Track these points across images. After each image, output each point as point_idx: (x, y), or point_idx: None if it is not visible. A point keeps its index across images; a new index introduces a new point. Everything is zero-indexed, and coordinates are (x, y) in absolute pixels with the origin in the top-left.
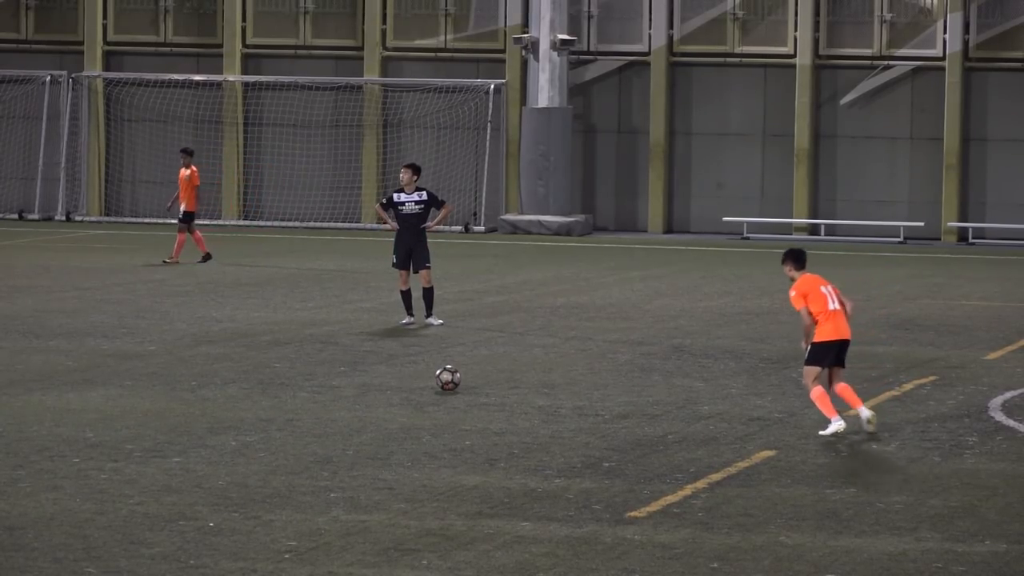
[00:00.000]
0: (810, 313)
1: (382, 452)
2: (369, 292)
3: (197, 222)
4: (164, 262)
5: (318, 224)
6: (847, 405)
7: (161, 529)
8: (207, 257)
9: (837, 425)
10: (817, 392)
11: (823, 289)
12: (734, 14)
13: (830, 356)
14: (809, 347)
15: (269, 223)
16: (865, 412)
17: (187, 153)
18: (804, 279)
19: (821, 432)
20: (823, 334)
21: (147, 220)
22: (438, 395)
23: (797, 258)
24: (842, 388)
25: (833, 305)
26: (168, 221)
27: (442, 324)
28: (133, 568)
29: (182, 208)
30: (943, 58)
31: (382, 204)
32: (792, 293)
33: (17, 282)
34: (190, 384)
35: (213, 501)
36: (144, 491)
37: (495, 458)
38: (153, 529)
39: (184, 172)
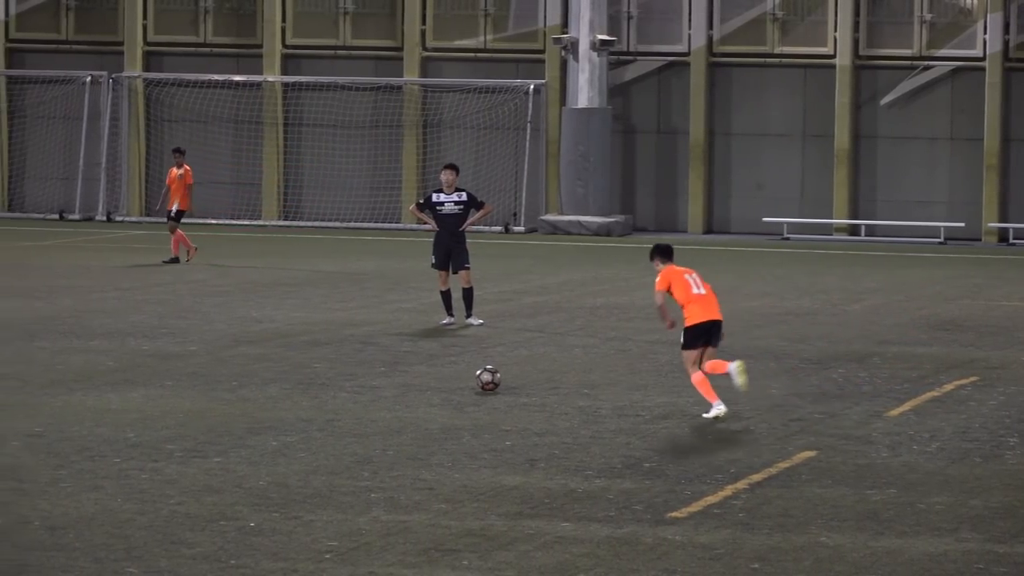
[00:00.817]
0: (671, 296)
1: (422, 452)
2: (409, 292)
3: (185, 221)
4: (186, 262)
5: (358, 224)
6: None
7: (202, 529)
8: (175, 260)
9: (718, 409)
10: (697, 378)
11: (687, 277)
12: (774, 14)
13: (702, 338)
14: (683, 333)
15: (309, 223)
16: (732, 367)
17: (179, 152)
18: (669, 269)
19: (704, 415)
20: (693, 317)
21: (186, 220)
22: (478, 395)
23: (665, 252)
24: (709, 365)
25: (697, 290)
26: (190, 220)
27: (482, 324)
28: (174, 568)
29: (174, 207)
30: (983, 58)
31: (418, 204)
32: (657, 279)
33: (58, 282)
34: (230, 384)
35: (253, 501)
36: (185, 491)
37: (535, 458)
38: (194, 529)
39: (175, 171)
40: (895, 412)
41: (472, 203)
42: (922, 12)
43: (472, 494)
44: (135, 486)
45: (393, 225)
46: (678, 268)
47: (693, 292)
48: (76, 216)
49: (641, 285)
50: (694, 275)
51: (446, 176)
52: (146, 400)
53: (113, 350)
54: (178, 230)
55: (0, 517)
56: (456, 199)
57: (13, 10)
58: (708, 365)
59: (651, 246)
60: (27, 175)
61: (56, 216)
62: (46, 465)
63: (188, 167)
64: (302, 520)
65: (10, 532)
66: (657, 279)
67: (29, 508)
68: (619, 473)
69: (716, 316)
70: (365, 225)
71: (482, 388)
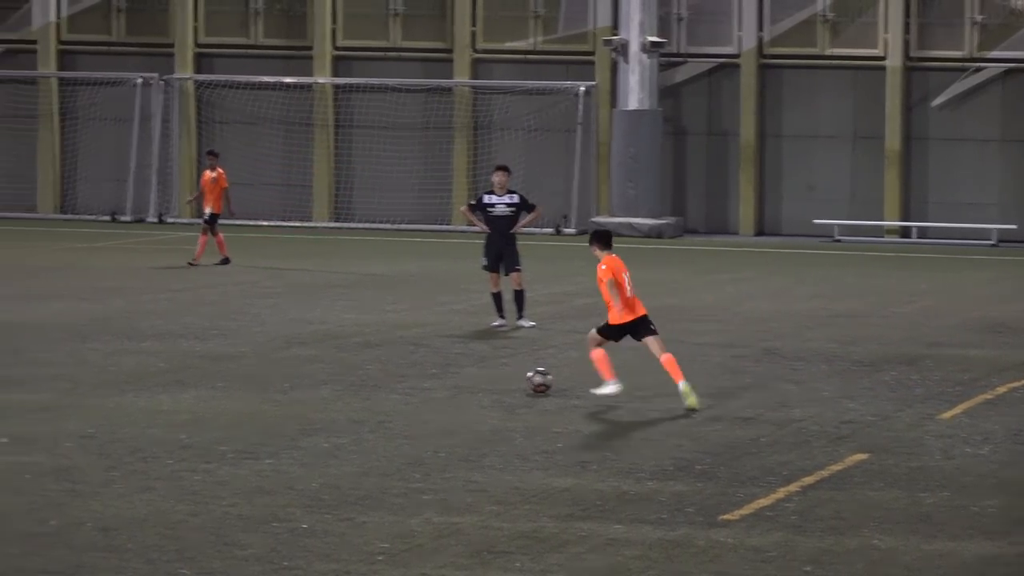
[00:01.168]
0: (616, 287)
1: (474, 454)
2: (460, 294)
3: (222, 223)
4: (189, 264)
5: (408, 226)
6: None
7: (254, 531)
8: (226, 261)
9: (614, 387)
10: (597, 354)
11: (625, 276)
12: (824, 16)
13: (621, 337)
14: (605, 324)
15: (359, 225)
16: (680, 386)
17: (213, 155)
18: (611, 259)
19: (593, 391)
20: (618, 317)
21: (237, 222)
22: (530, 397)
23: (603, 239)
24: (666, 360)
25: (630, 292)
26: (235, 222)
27: (533, 326)
28: (226, 569)
29: (208, 210)
30: None
31: (470, 206)
32: (603, 267)
33: (109, 284)
34: (282, 386)
35: (306, 503)
36: (237, 492)
37: (587, 460)
38: (246, 530)
39: (209, 174)
40: (947, 415)
41: (523, 205)
42: (973, 13)
43: (524, 496)
44: (187, 487)
45: (444, 227)
46: (617, 260)
47: (627, 295)
48: (128, 218)
49: (692, 287)
50: (627, 274)
51: (498, 178)
52: (198, 401)
53: (165, 351)
54: (219, 233)
55: (53, 518)
56: (508, 201)
57: (65, 12)
58: (665, 361)
59: (591, 233)
60: (79, 177)
61: (108, 218)
62: (98, 466)
63: (222, 170)
64: (354, 522)
65: (63, 533)
66: (602, 267)
67: (82, 509)
68: (671, 475)
69: (642, 312)
70: (416, 227)
71: (533, 390)
